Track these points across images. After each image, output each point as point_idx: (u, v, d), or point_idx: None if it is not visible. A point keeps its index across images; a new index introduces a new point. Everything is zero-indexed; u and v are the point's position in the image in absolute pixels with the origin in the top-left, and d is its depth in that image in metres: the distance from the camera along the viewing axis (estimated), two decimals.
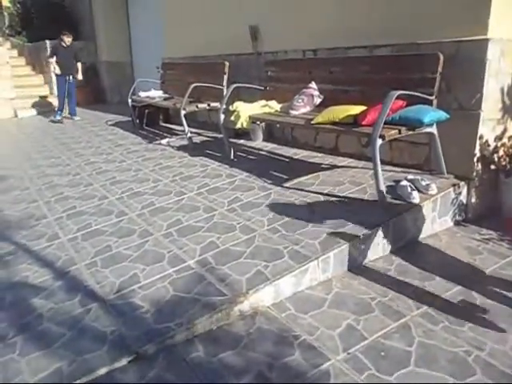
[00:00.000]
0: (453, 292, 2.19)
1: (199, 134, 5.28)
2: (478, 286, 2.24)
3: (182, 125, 4.72)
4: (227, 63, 4.91)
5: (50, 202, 3.58)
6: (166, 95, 5.89)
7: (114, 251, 2.62)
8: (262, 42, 4.80)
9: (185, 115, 4.66)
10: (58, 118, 7.49)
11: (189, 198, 3.29)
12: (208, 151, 4.47)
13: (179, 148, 4.78)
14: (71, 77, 7.43)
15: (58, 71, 7.33)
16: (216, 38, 5.41)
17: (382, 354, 1.77)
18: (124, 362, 1.77)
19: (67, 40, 7.41)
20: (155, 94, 5.93)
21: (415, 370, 1.68)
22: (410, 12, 3.25)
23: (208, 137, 5.17)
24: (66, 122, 7.51)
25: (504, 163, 2.93)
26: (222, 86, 4.85)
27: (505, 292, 2.17)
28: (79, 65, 7.59)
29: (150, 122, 6.19)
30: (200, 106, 4.88)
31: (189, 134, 4.70)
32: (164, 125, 6.30)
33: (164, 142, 5.13)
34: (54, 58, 7.37)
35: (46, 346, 1.86)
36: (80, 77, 7.58)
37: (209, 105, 4.91)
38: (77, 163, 4.65)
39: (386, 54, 3.44)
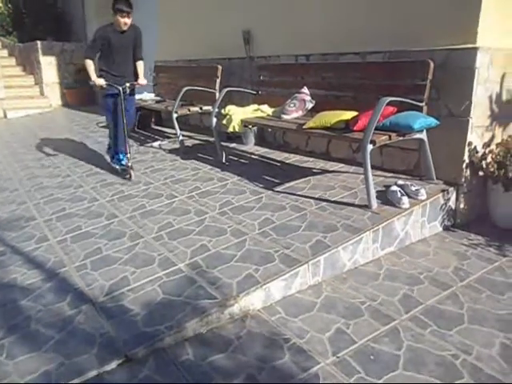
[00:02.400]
0: (441, 296, 2.22)
1: (191, 138, 5.28)
2: (466, 290, 2.26)
3: (174, 128, 4.71)
4: (220, 67, 4.92)
5: (40, 203, 3.55)
6: (159, 98, 5.88)
7: (104, 254, 2.60)
8: (254, 47, 4.82)
9: (177, 118, 4.66)
10: (121, 165, 4.16)
11: (180, 201, 3.29)
12: (200, 154, 4.47)
13: (171, 151, 4.77)
14: (128, 86, 4.04)
15: (102, 82, 3.89)
16: (209, 41, 5.42)
17: (371, 357, 1.79)
18: (113, 364, 1.76)
19: (124, 22, 3.87)
20: (147, 97, 5.92)
21: (403, 374, 1.69)
22: (401, 19, 3.29)
23: (200, 140, 5.17)
24: (53, 119, 7.45)
25: (492, 170, 2.97)
26: (215, 89, 4.86)
27: (495, 295, 2.20)
28: (141, 64, 4.26)
29: (141, 124, 6.17)
30: (192, 109, 4.88)
31: (181, 137, 4.70)
32: (156, 128, 6.29)
33: (156, 144, 5.12)
34: (94, 60, 3.97)
35: (35, 348, 1.85)
36: (144, 81, 4.20)
37: (201, 108, 4.91)
38: (66, 165, 4.61)
39: (378, 60, 3.48)
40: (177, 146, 4.85)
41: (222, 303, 2.05)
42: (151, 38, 7.00)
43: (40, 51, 9.10)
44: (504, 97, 3.07)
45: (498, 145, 3.11)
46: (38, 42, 9.06)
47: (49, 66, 9.27)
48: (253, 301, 2.12)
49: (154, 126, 6.32)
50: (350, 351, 1.83)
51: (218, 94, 4.68)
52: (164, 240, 2.70)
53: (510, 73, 3.06)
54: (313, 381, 1.67)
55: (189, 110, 4.85)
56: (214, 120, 3.97)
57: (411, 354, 1.80)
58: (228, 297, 2.08)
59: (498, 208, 3.04)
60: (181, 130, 4.70)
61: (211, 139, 4.62)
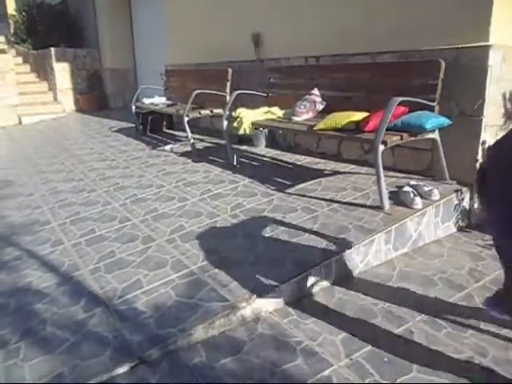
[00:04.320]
0: (455, 298, 2.19)
1: (202, 140, 5.31)
2: (481, 292, 2.23)
3: (185, 131, 4.75)
4: (230, 70, 4.94)
5: (54, 207, 3.60)
6: (170, 102, 5.92)
7: (118, 257, 2.63)
8: (264, 49, 4.83)
9: (188, 121, 4.69)
10: None
11: (192, 204, 3.31)
12: (211, 157, 4.49)
13: (182, 154, 4.80)
14: None
15: None
16: (218, 45, 5.45)
17: (385, 359, 1.77)
18: (127, 367, 1.77)
19: None
20: (159, 101, 5.97)
21: (417, 376, 1.67)
22: (412, 19, 3.27)
23: (211, 143, 5.20)
24: (67, 124, 7.54)
25: None
26: (225, 92, 4.88)
27: None
28: None
29: (153, 128, 6.22)
30: (203, 112, 4.91)
31: (192, 140, 4.73)
32: (167, 131, 6.33)
33: (167, 148, 5.15)
34: None
35: (49, 351, 1.87)
36: None
37: (212, 111, 4.94)
38: (80, 169, 4.67)
39: (388, 60, 3.46)
40: (188, 148, 4.88)
41: (235, 305, 2.06)
42: (161, 43, 7.09)
43: (53, 57, 9.24)
44: None
45: None
46: (52, 49, 9.20)
47: (62, 71, 9.40)
48: (265, 303, 2.12)
49: (165, 130, 6.37)
50: (363, 353, 1.81)
51: (228, 97, 4.69)
52: (176, 243, 2.72)
53: None
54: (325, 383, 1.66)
55: (200, 113, 4.88)
56: (225, 123, 3.99)
57: (425, 356, 1.78)
58: (240, 299, 2.09)
59: None
60: (192, 133, 4.73)
61: (222, 142, 4.64)
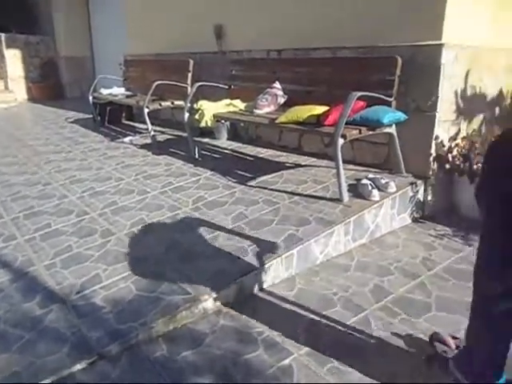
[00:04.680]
0: (410, 286, 2.28)
1: (163, 133, 5.22)
2: (434, 279, 2.34)
3: (145, 123, 4.65)
4: (191, 61, 4.88)
5: (6, 201, 3.44)
6: (129, 92, 5.79)
7: (75, 251, 2.55)
8: (226, 41, 4.80)
9: (148, 113, 4.60)
10: None
11: (152, 197, 3.26)
12: (172, 150, 4.43)
13: (142, 146, 4.71)
14: None
15: None
16: (180, 35, 5.36)
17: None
18: (84, 363, 1.73)
19: None
20: (117, 91, 5.82)
21: (373, 360, 1.74)
22: (370, 16, 3.34)
23: (172, 135, 5.12)
24: (19, 114, 7.22)
25: (458, 163, 3.07)
26: (187, 84, 4.83)
27: (461, 283, 2.28)
28: None
29: (112, 119, 6.06)
30: (164, 104, 4.83)
31: (152, 133, 4.65)
32: (127, 123, 6.19)
33: (127, 140, 5.04)
34: None
35: (4, 349, 1.80)
36: None
37: (173, 103, 4.86)
38: (34, 162, 4.49)
39: (348, 55, 3.52)
40: (148, 141, 4.79)
41: (196, 298, 2.05)
42: (121, 31, 6.90)
43: (3, 44, 8.79)
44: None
45: (463, 138, 3.22)
46: (2, 35, 8.74)
47: (13, 58, 8.97)
48: (226, 296, 2.13)
49: (124, 121, 6.21)
50: (323, 342, 1.86)
51: (189, 89, 4.64)
52: (137, 236, 2.67)
53: (474, 69, 3.16)
54: (287, 372, 1.69)
55: (160, 105, 4.80)
56: (187, 115, 3.94)
57: (381, 342, 1.85)
58: (202, 292, 2.08)
59: (463, 199, 3.15)
60: (152, 125, 4.65)
61: (184, 134, 4.59)
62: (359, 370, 1.70)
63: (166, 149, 4.47)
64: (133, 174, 3.80)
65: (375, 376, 1.66)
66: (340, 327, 1.95)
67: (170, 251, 2.46)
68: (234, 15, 4.60)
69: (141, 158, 4.25)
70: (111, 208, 3.12)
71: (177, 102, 4.82)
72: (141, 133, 5.38)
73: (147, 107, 4.61)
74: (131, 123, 6.11)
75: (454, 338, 1.78)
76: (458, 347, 1.71)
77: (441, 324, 1.96)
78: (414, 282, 2.32)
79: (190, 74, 4.86)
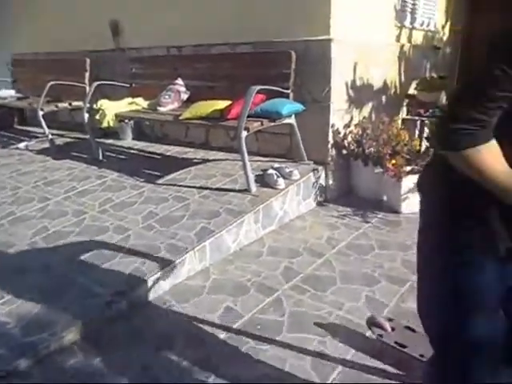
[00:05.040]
0: (317, 264, 2.45)
1: (62, 136, 4.94)
2: (337, 256, 2.54)
3: (41, 126, 4.36)
4: (88, 60, 4.67)
5: None
6: (20, 95, 5.37)
7: None
8: (124, 38, 4.66)
9: (43, 116, 4.32)
10: None
11: (55, 204, 3.09)
12: (74, 153, 4.21)
13: (40, 151, 4.41)
14: None
15: None
16: (75, 33, 5.08)
17: (258, 327, 1.92)
18: None
19: None
20: (6, 94, 5.37)
21: (287, 335, 1.86)
22: (265, 12, 3.47)
23: (73, 138, 4.86)
24: None
25: (353, 148, 3.33)
26: (84, 83, 4.61)
27: (360, 256, 2.50)
28: None
29: (2, 125, 5.57)
30: (60, 105, 4.57)
31: (50, 136, 4.38)
32: (20, 127, 5.74)
33: (21, 146, 4.68)
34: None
35: None
36: None
37: (70, 104, 4.62)
38: None
39: (247, 51, 3.63)
40: (46, 145, 4.50)
41: (108, 301, 2.01)
42: (7, 26, 6.34)
43: None
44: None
45: (355, 126, 3.49)
46: None
47: None
48: (141, 293, 2.12)
49: (17, 126, 5.75)
50: (240, 325, 1.94)
51: (88, 89, 4.44)
52: (39, 245, 2.53)
53: (361, 62, 3.44)
54: (205, 359, 1.74)
55: (56, 107, 4.53)
56: (86, 116, 3.78)
57: (293, 318, 1.98)
58: (114, 293, 2.05)
59: (359, 181, 3.43)
60: (49, 128, 4.38)
61: (85, 136, 4.37)
62: (274, 348, 1.80)
63: (66, 153, 4.24)
64: (31, 181, 3.56)
65: (288, 354, 1.77)
66: (254, 310, 2.05)
67: (78, 257, 2.37)
68: (131, 11, 4.47)
69: (39, 164, 3.99)
70: (9, 219, 2.90)
71: (75, 103, 4.58)
72: (37, 137, 5.02)
73: (41, 109, 4.33)
74: (25, 128, 5.68)
75: (390, 320, 1.86)
76: (393, 329, 1.78)
77: (345, 295, 2.14)
78: (320, 260, 2.50)
79: (87, 73, 4.66)
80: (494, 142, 0.85)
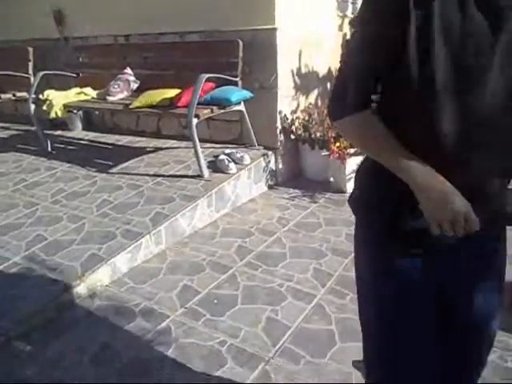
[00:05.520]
0: (268, 242, 2.60)
1: (7, 129, 4.78)
2: (287, 233, 2.70)
3: None
4: (31, 49, 4.53)
5: None
6: None
7: None
8: (69, 27, 4.55)
9: None
10: None
11: (4, 197, 3.04)
12: (20, 146, 4.11)
13: None
14: None
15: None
16: (15, 21, 4.90)
17: (215, 301, 2.04)
18: None
19: None
20: None
21: (241, 308, 1.99)
22: (214, 1, 3.53)
23: (18, 130, 4.72)
24: None
25: (300, 133, 3.49)
26: (28, 74, 4.47)
27: (309, 233, 2.67)
28: None
29: None
30: (4, 96, 4.40)
31: None
32: None
33: None
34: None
35: None
36: None
37: (14, 95, 4.46)
38: None
39: (195, 40, 3.69)
40: None
41: (67, 286, 2.06)
42: None
43: None
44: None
45: (302, 111, 3.66)
46: None
47: None
48: (99, 277, 2.17)
49: None
50: (196, 301, 2.05)
51: (32, 79, 4.32)
52: None
53: (305, 50, 3.59)
54: (165, 332, 1.84)
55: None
56: (32, 107, 3.70)
57: (247, 291, 2.11)
58: (72, 278, 2.09)
59: (308, 164, 3.61)
60: None
61: (32, 128, 4.27)
62: (229, 318, 1.93)
63: (12, 145, 4.13)
64: None
65: (242, 323, 1.91)
66: (210, 286, 2.16)
67: (32, 246, 2.38)
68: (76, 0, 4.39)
69: None
70: None
71: (19, 94, 4.43)
72: None
73: None
74: None
75: None
76: None
77: (294, 268, 2.30)
78: (272, 238, 2.65)
79: (30, 63, 4.51)
80: (367, 112, 0.88)
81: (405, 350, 0.94)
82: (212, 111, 3.05)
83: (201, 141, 3.07)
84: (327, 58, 3.91)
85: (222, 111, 3.16)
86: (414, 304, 0.94)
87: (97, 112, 4.36)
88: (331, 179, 3.45)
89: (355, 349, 1.52)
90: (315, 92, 3.87)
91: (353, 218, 1.05)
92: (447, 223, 0.83)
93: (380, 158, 0.89)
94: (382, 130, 0.87)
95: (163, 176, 3.14)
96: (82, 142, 4.15)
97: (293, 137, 3.57)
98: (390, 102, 0.88)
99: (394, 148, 0.86)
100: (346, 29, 4.15)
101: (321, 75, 3.89)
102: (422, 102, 0.81)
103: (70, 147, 4.03)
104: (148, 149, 3.75)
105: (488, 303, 0.98)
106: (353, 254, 1.09)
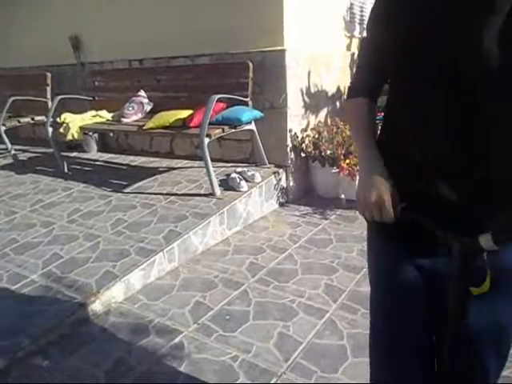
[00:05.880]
0: (280, 259, 2.62)
1: (25, 151, 4.93)
2: (299, 250, 2.72)
3: (3, 142, 4.36)
4: (49, 74, 4.70)
5: None
6: None
7: None
8: (85, 53, 4.73)
9: (5, 131, 4.32)
10: None
11: (22, 217, 3.13)
12: (38, 167, 4.23)
13: (3, 167, 4.40)
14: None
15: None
16: (36, 47, 5.09)
17: (227, 317, 2.06)
18: None
19: None
20: None
21: (253, 323, 2.01)
22: (224, 25, 3.63)
23: (36, 152, 4.86)
24: None
25: (310, 150, 3.54)
26: (46, 98, 4.64)
27: (320, 249, 2.69)
28: None
29: None
30: (22, 120, 4.57)
31: (13, 151, 4.37)
32: None
33: None
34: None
35: None
36: None
37: (33, 119, 4.62)
38: None
39: (206, 62, 3.80)
40: (10, 161, 4.49)
41: (83, 302, 2.10)
42: None
43: None
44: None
45: (312, 129, 3.71)
46: None
47: None
48: (114, 294, 2.22)
49: None
50: (209, 317, 2.07)
51: (50, 103, 4.47)
52: (10, 256, 2.58)
53: (314, 70, 3.67)
54: (178, 347, 1.87)
55: (19, 122, 4.53)
56: (50, 130, 3.83)
57: (258, 307, 2.13)
58: (88, 295, 2.14)
59: (318, 181, 3.64)
60: (12, 144, 4.38)
61: (49, 150, 4.40)
62: (242, 334, 1.94)
63: (31, 167, 4.26)
64: None
65: (254, 338, 1.92)
66: (222, 302, 2.19)
67: (49, 265, 2.44)
68: (91, 25, 4.55)
69: (3, 179, 3.99)
70: None
71: (37, 118, 4.60)
72: None
73: (3, 125, 4.32)
74: None
75: None
76: None
77: (306, 284, 2.31)
78: (283, 255, 2.67)
79: (48, 88, 4.68)
80: (363, 99, 1.02)
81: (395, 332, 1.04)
82: (223, 131, 3.12)
83: (213, 160, 3.14)
84: (336, 76, 3.99)
85: (233, 131, 3.23)
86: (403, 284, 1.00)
87: (111, 134, 4.48)
88: (342, 196, 3.47)
89: (367, 364, 1.52)
90: (325, 110, 3.93)
91: (364, 234, 1.09)
92: (361, 208, 0.94)
93: (355, 144, 1.09)
94: (366, 120, 1.01)
95: (176, 195, 3.20)
96: (98, 163, 4.26)
97: (303, 155, 3.62)
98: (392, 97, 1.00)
99: (363, 140, 0.99)
100: (354, 48, 4.23)
101: (330, 94, 3.96)
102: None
103: (86, 168, 4.13)
104: (161, 169, 3.83)
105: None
106: (364, 270, 1.14)
